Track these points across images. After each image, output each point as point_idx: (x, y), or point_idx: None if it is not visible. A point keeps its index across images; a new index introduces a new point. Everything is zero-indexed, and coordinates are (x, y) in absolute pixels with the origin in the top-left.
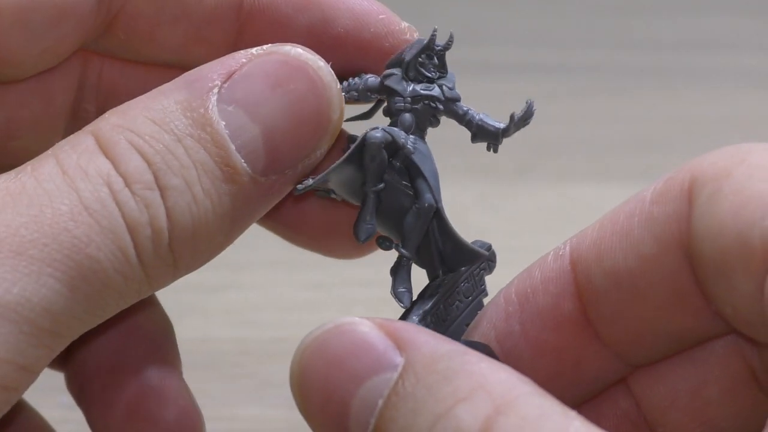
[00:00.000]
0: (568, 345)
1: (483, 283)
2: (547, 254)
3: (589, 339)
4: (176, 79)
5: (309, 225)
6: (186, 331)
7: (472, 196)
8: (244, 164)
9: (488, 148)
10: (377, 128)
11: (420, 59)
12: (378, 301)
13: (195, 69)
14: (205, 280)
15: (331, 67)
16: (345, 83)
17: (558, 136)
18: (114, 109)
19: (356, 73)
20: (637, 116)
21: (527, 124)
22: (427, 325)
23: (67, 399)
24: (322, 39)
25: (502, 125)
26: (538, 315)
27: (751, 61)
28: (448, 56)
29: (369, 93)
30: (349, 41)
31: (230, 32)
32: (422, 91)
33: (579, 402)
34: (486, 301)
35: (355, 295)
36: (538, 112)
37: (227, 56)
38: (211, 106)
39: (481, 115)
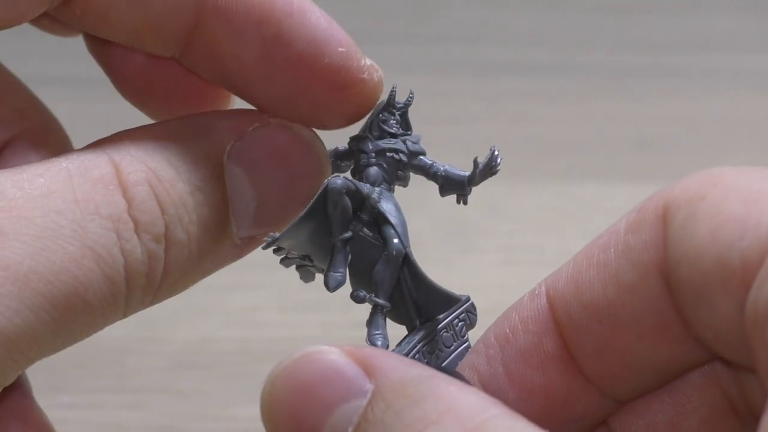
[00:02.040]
0: (553, 383)
1: (464, 335)
2: (522, 297)
3: (574, 376)
4: (188, 121)
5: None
6: (186, 331)
7: (472, 196)
8: (235, 228)
9: (458, 201)
10: (338, 176)
11: (381, 116)
12: None
13: (206, 116)
14: (205, 280)
15: (279, 88)
16: None
17: (558, 136)
18: (130, 134)
19: (304, 99)
20: (637, 116)
21: (494, 172)
22: None
23: (68, 399)
24: (275, 56)
25: (467, 174)
26: (520, 355)
27: (750, 61)
28: (450, 55)
29: (339, 162)
30: (301, 65)
31: (185, 29)
32: (384, 145)
33: None
34: None
35: None
36: (538, 112)
37: (240, 113)
38: (225, 164)
39: (446, 167)
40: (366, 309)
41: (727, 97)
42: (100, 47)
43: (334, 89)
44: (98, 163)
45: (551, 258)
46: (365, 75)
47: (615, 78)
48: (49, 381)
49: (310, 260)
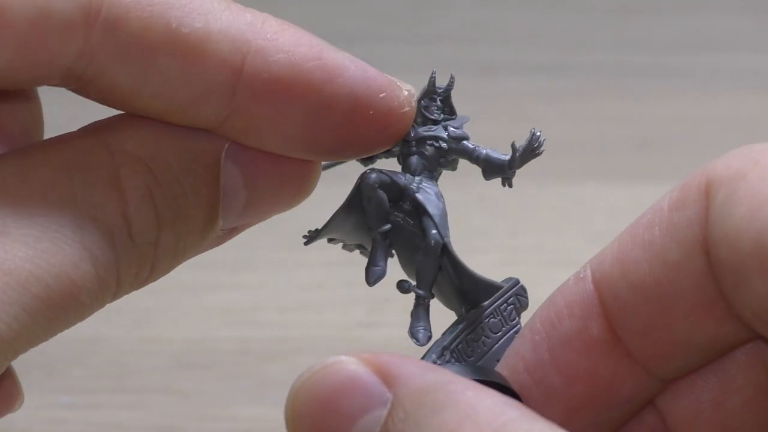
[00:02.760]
0: (599, 367)
1: (514, 319)
2: (567, 280)
3: (619, 358)
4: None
5: None
6: (186, 331)
7: (472, 196)
8: (221, 224)
9: (503, 184)
10: (372, 170)
11: (423, 102)
12: (378, 301)
13: None
14: (206, 280)
15: (324, 145)
16: None
17: (558, 136)
18: (131, 125)
19: (347, 147)
20: (637, 116)
21: (537, 154)
22: (447, 361)
23: (68, 399)
24: (319, 124)
25: (507, 157)
26: (566, 340)
27: (750, 61)
28: (450, 55)
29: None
30: (347, 123)
31: (218, 116)
32: (424, 133)
33: (616, 426)
34: None
35: (355, 295)
36: (538, 112)
37: None
38: (221, 163)
39: (488, 150)
40: (364, 309)
41: (728, 97)
42: None
43: (377, 131)
44: (99, 160)
45: (551, 258)
46: (406, 108)
47: (615, 78)
48: (49, 381)
49: (364, 248)
